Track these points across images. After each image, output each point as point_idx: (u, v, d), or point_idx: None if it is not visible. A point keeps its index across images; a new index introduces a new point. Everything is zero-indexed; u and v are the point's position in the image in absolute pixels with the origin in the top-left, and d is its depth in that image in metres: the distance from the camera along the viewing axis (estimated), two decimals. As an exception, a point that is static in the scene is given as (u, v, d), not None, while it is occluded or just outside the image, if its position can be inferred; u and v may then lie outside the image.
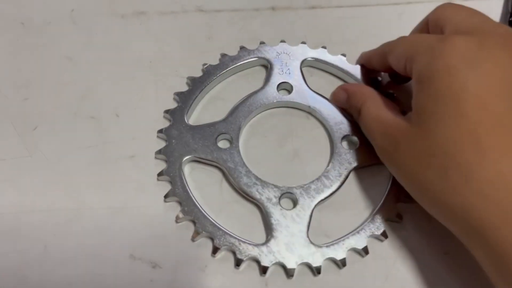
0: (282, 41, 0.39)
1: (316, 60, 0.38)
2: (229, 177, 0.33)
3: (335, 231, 0.32)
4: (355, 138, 0.35)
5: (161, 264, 0.32)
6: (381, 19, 0.41)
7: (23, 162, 0.35)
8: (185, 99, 0.36)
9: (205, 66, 0.37)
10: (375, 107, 0.31)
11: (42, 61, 0.38)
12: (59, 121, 0.36)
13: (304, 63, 0.38)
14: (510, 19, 0.39)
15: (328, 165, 0.34)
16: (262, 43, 0.39)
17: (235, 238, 0.31)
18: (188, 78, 0.37)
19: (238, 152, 0.34)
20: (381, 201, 0.33)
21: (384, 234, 0.31)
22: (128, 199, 0.34)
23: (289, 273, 0.30)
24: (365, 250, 0.31)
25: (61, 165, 0.35)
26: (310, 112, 0.37)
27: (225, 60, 0.38)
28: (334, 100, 0.36)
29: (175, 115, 0.35)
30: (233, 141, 0.34)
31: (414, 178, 0.27)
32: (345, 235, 0.31)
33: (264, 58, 0.38)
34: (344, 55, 0.38)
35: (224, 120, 0.35)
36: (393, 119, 0.29)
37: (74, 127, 0.36)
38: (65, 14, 0.40)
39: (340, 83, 0.38)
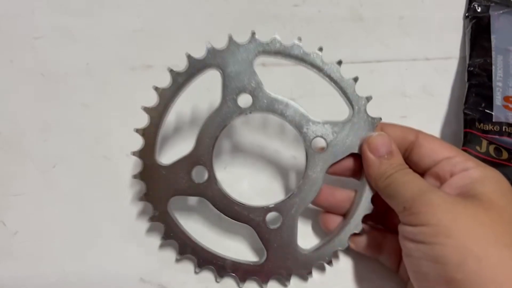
0: (230, 38, 0.34)
1: (269, 53, 0.34)
2: (214, 207, 0.34)
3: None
4: (323, 140, 0.34)
5: (168, 286, 0.36)
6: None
7: (43, 196, 0.39)
8: (150, 135, 0.34)
9: (158, 91, 0.34)
10: None
11: (61, 108, 0.43)
12: (76, 160, 0.41)
13: (256, 61, 0.34)
14: (469, 69, 0.44)
15: (305, 172, 0.34)
16: (209, 46, 0.34)
17: (235, 261, 0.35)
18: (145, 109, 0.35)
19: (216, 181, 0.34)
20: (358, 200, 0.34)
21: (363, 231, 0.35)
22: (138, 228, 0.38)
23: (285, 283, 0.35)
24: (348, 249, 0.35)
25: (77, 199, 0.39)
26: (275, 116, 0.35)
27: (176, 78, 0.34)
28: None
29: (145, 155, 0.34)
30: (209, 171, 0.34)
31: None
32: (329, 238, 0.35)
33: (215, 66, 0.34)
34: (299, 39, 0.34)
35: (193, 151, 0.34)
36: None
37: (89, 165, 0.41)
38: (81, 67, 0.46)
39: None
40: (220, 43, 0.35)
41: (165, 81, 0.46)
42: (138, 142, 0.41)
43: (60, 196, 0.39)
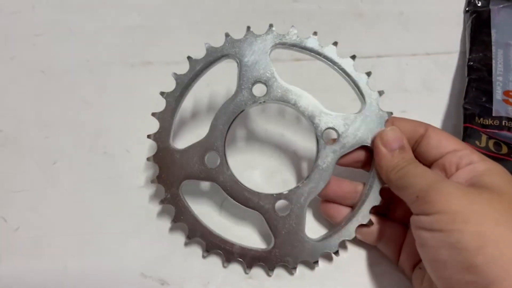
0: (248, 29, 0.35)
1: (285, 44, 0.36)
2: (224, 192, 0.35)
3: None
4: (334, 131, 0.35)
5: (169, 281, 0.36)
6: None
7: (44, 192, 0.40)
8: (165, 119, 0.35)
9: (175, 77, 0.36)
10: None
11: (61, 104, 0.44)
12: (76, 156, 0.41)
13: (272, 52, 0.36)
14: (469, 64, 0.44)
15: (315, 162, 0.35)
16: (227, 36, 0.35)
17: (243, 247, 0.36)
18: (162, 94, 0.36)
19: (228, 167, 0.35)
20: (366, 192, 0.35)
21: (370, 222, 0.35)
22: (139, 223, 0.38)
23: (292, 271, 0.36)
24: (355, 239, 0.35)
25: (78, 195, 0.39)
26: (287, 106, 0.36)
27: (194, 65, 0.35)
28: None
29: (160, 139, 0.35)
30: (221, 156, 0.35)
31: None
32: (336, 228, 0.36)
33: (232, 55, 0.35)
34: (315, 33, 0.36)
35: (207, 136, 0.35)
36: None
37: (89, 161, 0.41)
38: (81, 63, 0.46)
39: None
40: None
41: (165, 77, 0.46)
42: (139, 138, 0.41)
43: (60, 192, 0.39)
